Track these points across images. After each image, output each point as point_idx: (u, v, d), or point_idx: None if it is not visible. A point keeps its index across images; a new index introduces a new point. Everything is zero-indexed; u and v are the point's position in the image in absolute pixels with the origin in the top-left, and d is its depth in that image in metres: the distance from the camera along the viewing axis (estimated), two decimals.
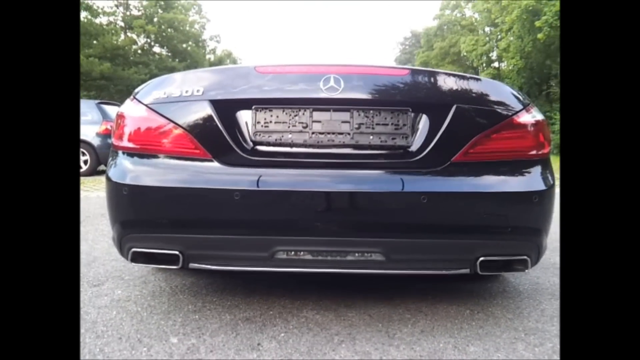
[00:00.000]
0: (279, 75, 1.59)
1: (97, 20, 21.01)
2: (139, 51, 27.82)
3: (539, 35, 16.11)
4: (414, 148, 1.54)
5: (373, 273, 1.75)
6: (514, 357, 1.46)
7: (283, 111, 1.55)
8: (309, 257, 1.54)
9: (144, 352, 1.47)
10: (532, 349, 1.52)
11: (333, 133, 1.53)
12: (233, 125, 1.56)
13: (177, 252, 1.53)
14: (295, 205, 1.48)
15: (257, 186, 1.47)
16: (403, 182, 1.49)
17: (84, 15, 18.48)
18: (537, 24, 15.98)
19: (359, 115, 1.54)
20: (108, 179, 1.60)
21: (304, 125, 1.54)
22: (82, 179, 6.65)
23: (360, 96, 1.55)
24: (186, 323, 1.68)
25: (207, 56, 32.64)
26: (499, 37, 22.98)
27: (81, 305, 1.84)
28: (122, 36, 26.23)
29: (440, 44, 31.69)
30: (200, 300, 1.89)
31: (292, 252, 1.54)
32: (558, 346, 1.52)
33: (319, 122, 1.54)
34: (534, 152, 1.59)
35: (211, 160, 1.53)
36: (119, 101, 10.31)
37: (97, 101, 8.03)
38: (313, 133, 1.53)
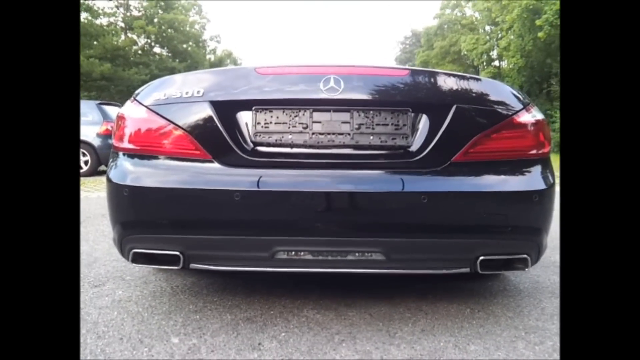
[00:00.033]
0: (279, 76, 1.60)
1: (98, 21, 21.04)
2: (140, 52, 27.85)
3: (540, 34, 16.11)
4: (414, 148, 1.54)
5: (373, 273, 1.75)
6: (514, 356, 1.47)
7: (283, 112, 1.55)
8: (309, 257, 1.55)
9: (145, 353, 1.47)
10: (533, 347, 1.52)
11: (333, 133, 1.54)
12: (233, 126, 1.56)
13: (177, 253, 1.53)
14: (295, 206, 1.48)
15: (258, 187, 1.47)
16: (403, 182, 1.49)
17: (84, 16, 18.50)
18: (538, 22, 15.98)
19: (359, 115, 1.54)
20: (109, 180, 1.60)
21: (304, 125, 1.54)
22: (82, 179, 6.66)
23: (360, 96, 1.55)
24: (187, 323, 1.69)
25: (208, 56, 32.67)
26: (500, 35, 22.96)
27: (82, 306, 1.85)
28: (123, 37, 26.26)
29: (441, 43, 31.67)
30: (201, 301, 1.90)
31: (293, 252, 1.54)
32: (558, 344, 1.53)
33: (319, 122, 1.54)
34: (534, 151, 1.59)
35: (211, 161, 1.54)
36: (120, 102, 10.33)
37: (97, 102, 8.04)
38: (313, 133, 1.54)
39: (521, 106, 1.59)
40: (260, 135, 1.55)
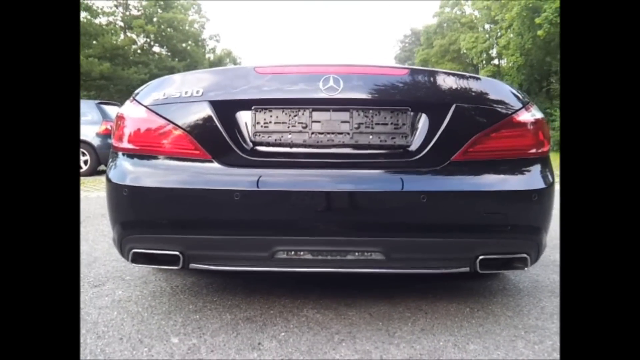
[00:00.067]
0: (278, 75, 1.59)
1: (97, 21, 21.03)
2: (139, 51, 27.82)
3: (539, 32, 16.10)
4: (413, 147, 1.54)
5: (373, 272, 1.75)
6: (514, 355, 1.47)
7: (282, 111, 1.55)
8: (309, 256, 1.55)
9: (145, 353, 1.47)
10: (532, 346, 1.52)
11: (332, 133, 1.54)
12: (233, 126, 1.56)
13: (177, 253, 1.53)
14: (295, 205, 1.48)
15: (257, 186, 1.47)
16: (403, 181, 1.49)
17: (83, 15, 18.48)
18: (537, 20, 15.97)
19: (359, 115, 1.54)
20: (108, 180, 1.60)
21: (304, 125, 1.54)
22: (82, 179, 6.66)
23: (360, 96, 1.55)
24: (187, 323, 1.69)
25: (207, 55, 32.66)
26: (499, 34, 22.95)
27: (82, 306, 1.85)
28: (122, 36, 26.24)
29: (440, 41, 31.65)
30: (201, 300, 1.90)
31: (292, 252, 1.54)
32: (558, 344, 1.53)
33: (319, 122, 1.54)
34: (533, 150, 1.59)
35: (211, 161, 1.54)
36: (119, 101, 10.31)
37: (97, 101, 8.03)
38: (313, 133, 1.53)
39: (520, 105, 1.59)
40: (259, 135, 1.55)
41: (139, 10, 27.74)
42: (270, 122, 1.55)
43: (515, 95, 1.63)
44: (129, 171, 1.58)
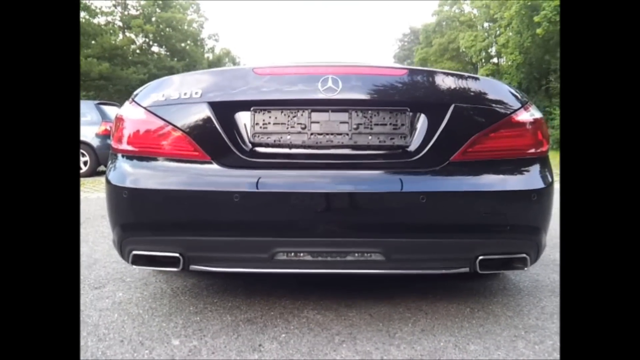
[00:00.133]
0: (277, 76, 1.59)
1: (95, 21, 21.03)
2: (138, 51, 27.81)
3: (538, 31, 16.09)
4: (412, 148, 1.54)
5: (373, 273, 1.75)
6: (514, 355, 1.47)
7: (281, 112, 1.55)
8: (309, 258, 1.55)
9: (146, 355, 1.47)
10: (532, 346, 1.53)
11: (331, 134, 1.53)
12: (232, 127, 1.56)
13: (177, 255, 1.53)
14: (294, 207, 1.48)
15: (257, 188, 1.47)
16: (402, 182, 1.49)
17: (82, 15, 18.47)
18: (536, 19, 15.96)
19: (358, 115, 1.54)
20: (108, 182, 1.60)
21: (303, 126, 1.54)
22: (82, 180, 6.65)
23: (359, 96, 1.55)
24: (187, 325, 1.69)
25: (206, 55, 32.67)
26: (498, 32, 22.94)
27: (83, 308, 1.85)
28: (121, 36, 26.22)
29: (439, 40, 31.62)
30: (202, 302, 1.90)
31: (292, 253, 1.54)
32: (558, 344, 1.53)
33: (318, 122, 1.54)
34: (532, 150, 1.59)
35: (210, 162, 1.53)
36: (118, 101, 10.30)
37: (96, 102, 8.02)
38: (312, 134, 1.53)
39: (519, 105, 1.59)
40: (258, 136, 1.54)
41: (137, 10, 27.73)
42: (269, 123, 1.55)
43: (514, 95, 1.63)
44: (128, 173, 1.58)
